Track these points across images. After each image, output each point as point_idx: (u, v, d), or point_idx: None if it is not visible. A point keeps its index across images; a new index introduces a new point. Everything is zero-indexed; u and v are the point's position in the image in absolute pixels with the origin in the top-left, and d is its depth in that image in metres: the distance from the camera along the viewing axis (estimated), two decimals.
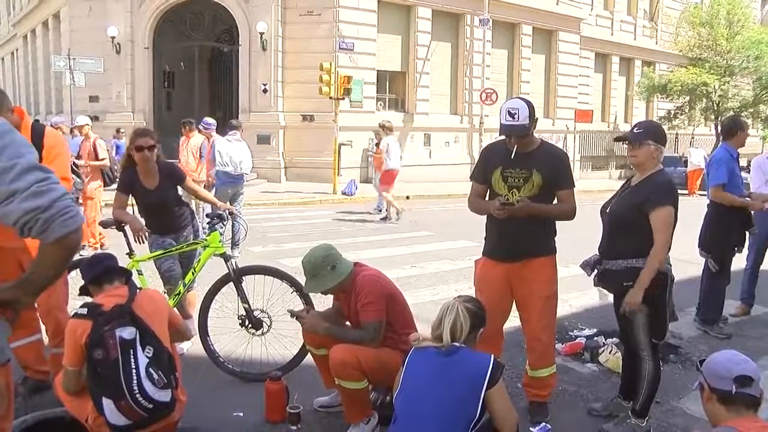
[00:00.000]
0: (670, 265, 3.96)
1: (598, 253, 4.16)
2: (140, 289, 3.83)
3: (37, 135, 4.12)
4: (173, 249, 5.14)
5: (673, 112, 32.22)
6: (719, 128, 26.49)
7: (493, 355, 3.12)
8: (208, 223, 5.29)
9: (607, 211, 4.12)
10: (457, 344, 3.07)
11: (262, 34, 21.45)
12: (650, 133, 3.96)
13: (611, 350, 5.30)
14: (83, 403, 3.42)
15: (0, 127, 1.92)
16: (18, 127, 4.05)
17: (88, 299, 3.62)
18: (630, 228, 3.91)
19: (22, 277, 2.04)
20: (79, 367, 3.38)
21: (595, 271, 4.17)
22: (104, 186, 9.78)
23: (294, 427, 4.06)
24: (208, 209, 9.69)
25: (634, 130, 4.01)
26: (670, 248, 3.89)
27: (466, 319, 3.12)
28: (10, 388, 2.19)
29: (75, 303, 4.73)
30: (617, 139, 4.36)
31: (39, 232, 1.86)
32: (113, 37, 22.33)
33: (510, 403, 3.14)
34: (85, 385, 3.40)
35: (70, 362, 3.37)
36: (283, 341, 4.97)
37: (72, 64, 20.36)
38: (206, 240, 5.16)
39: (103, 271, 3.64)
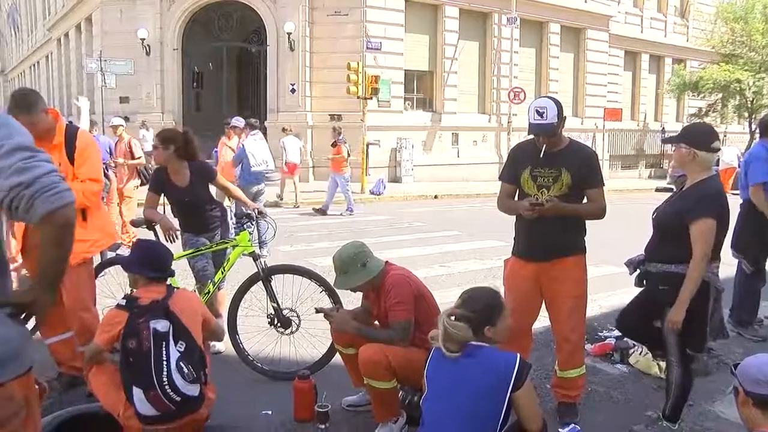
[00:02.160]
0: (717, 276, 3.84)
1: (643, 253, 4.08)
2: (177, 288, 3.90)
3: (70, 136, 4.20)
4: (204, 248, 5.19)
5: (704, 109, 31.75)
6: (754, 126, 26.11)
7: (519, 355, 3.00)
8: (236, 222, 5.32)
9: (653, 216, 4.04)
10: (474, 343, 2.97)
11: (289, 34, 21.57)
12: (684, 136, 3.87)
13: (641, 351, 5.22)
14: (116, 398, 3.48)
15: None
16: (52, 129, 4.14)
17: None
18: (673, 234, 3.80)
19: (39, 274, 1.99)
20: (105, 348, 3.55)
21: (637, 271, 4.09)
22: (141, 185, 9.97)
23: (322, 426, 4.06)
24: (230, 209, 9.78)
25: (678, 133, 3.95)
26: (719, 258, 3.81)
27: (460, 329, 2.96)
28: (30, 401, 2.05)
29: (106, 301, 4.83)
30: (664, 142, 4.25)
31: (25, 211, 1.79)
32: (143, 39, 22.61)
33: (537, 405, 3.05)
34: (116, 378, 3.49)
35: (101, 341, 3.53)
36: (311, 340, 4.99)
37: (103, 66, 20.69)
38: (235, 239, 5.20)
39: (156, 259, 3.76)
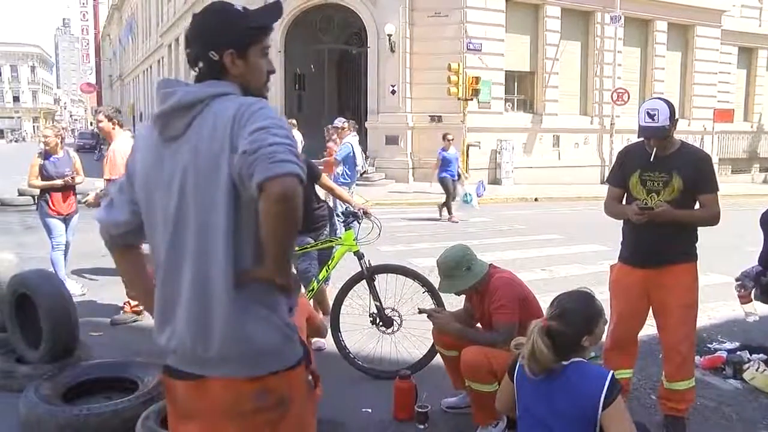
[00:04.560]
0: None
1: (758, 264, 3.86)
2: None
3: None
4: (309, 246, 5.32)
5: None
6: None
7: (612, 372, 2.75)
8: (343, 221, 5.43)
9: None
10: (565, 363, 2.75)
11: (390, 36, 21.77)
12: None
13: (758, 367, 4.94)
14: None
15: (255, 108, 1.88)
16: None
17: None
18: None
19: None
20: None
21: (756, 284, 3.87)
22: None
23: (421, 426, 4.09)
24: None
25: None
26: None
27: (545, 354, 2.70)
28: (293, 400, 2.00)
29: None
30: None
31: (248, 179, 1.74)
32: None
33: (630, 424, 2.73)
34: None
35: None
36: (412, 340, 5.03)
37: None
38: (341, 238, 5.32)
39: None
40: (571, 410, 2.66)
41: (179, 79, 2.00)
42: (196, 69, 2.02)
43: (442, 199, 14.01)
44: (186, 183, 1.91)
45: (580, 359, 2.77)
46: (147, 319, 4.87)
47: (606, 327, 2.87)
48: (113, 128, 6.26)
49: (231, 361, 1.91)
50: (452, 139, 14.25)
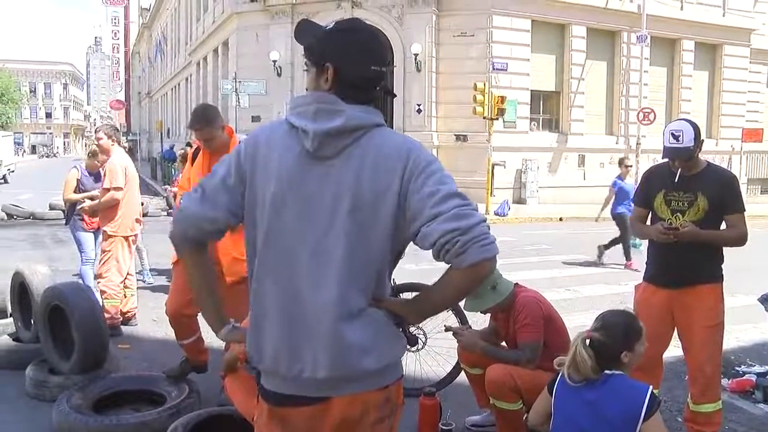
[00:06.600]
0: None
1: None
2: None
3: None
4: None
5: None
6: None
7: (651, 386, 2.83)
8: None
9: None
10: (608, 372, 2.82)
11: (416, 55, 21.93)
12: None
13: None
14: (250, 404, 3.67)
15: (428, 157, 1.93)
16: (227, 144, 4.42)
17: None
18: None
19: (417, 296, 2.05)
20: (241, 358, 3.69)
21: None
22: None
23: None
24: None
25: None
26: None
27: (586, 363, 2.79)
28: (398, 408, 2.10)
29: None
30: None
31: (455, 255, 1.78)
32: (275, 61, 23.63)
33: None
34: (250, 385, 3.68)
35: (238, 352, 3.71)
36: (437, 358, 5.03)
37: (238, 87, 21.81)
38: None
39: None
40: (616, 420, 2.73)
41: (334, 96, 1.95)
42: (372, 89, 2.01)
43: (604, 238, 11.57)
44: (338, 208, 1.90)
45: (622, 372, 2.85)
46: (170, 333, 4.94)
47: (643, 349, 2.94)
48: (112, 144, 6.63)
49: (369, 376, 1.93)
50: (631, 166, 11.95)
